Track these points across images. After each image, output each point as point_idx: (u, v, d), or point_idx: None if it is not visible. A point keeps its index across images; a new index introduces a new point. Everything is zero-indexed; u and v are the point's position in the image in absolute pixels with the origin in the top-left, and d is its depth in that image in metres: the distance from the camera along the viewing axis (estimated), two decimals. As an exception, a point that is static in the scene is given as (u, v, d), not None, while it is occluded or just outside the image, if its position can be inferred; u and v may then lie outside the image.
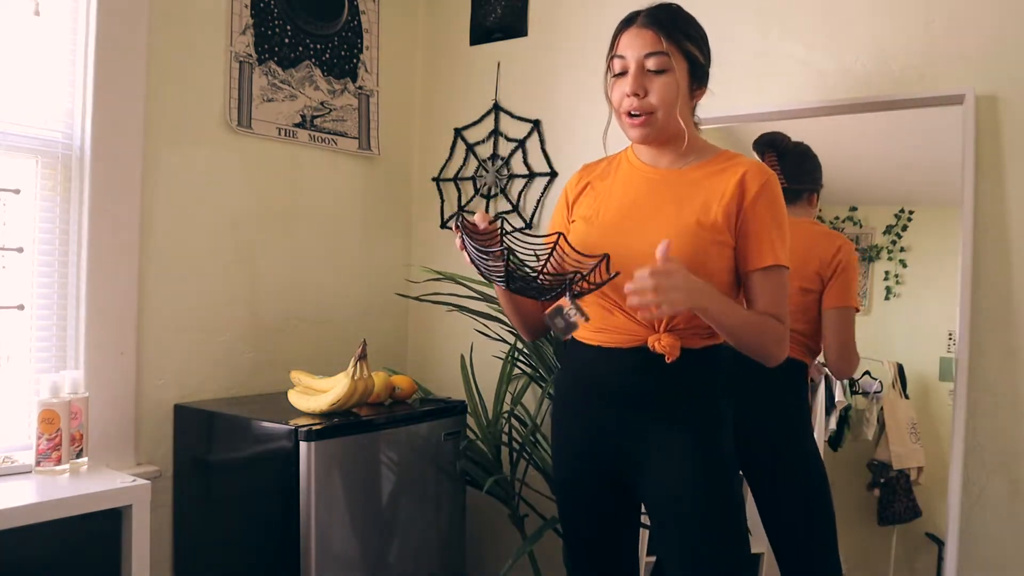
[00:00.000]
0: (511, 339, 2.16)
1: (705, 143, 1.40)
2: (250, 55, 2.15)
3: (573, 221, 1.44)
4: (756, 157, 1.87)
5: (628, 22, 1.33)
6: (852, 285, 1.72)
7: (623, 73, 1.32)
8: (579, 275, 1.21)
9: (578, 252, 1.26)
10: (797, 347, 1.72)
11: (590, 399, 1.37)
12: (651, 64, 1.29)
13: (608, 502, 1.41)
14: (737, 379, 1.37)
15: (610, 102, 1.37)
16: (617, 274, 1.21)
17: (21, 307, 1.74)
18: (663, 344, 1.27)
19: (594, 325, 1.34)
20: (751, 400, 1.42)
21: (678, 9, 1.34)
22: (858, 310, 1.72)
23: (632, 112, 1.31)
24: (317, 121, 2.32)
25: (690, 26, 1.33)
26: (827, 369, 1.76)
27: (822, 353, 1.76)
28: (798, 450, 1.73)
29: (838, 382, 1.90)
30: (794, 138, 1.87)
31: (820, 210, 1.91)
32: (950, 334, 1.74)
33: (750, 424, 1.45)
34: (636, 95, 1.30)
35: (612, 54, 1.34)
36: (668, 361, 1.27)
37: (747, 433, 1.43)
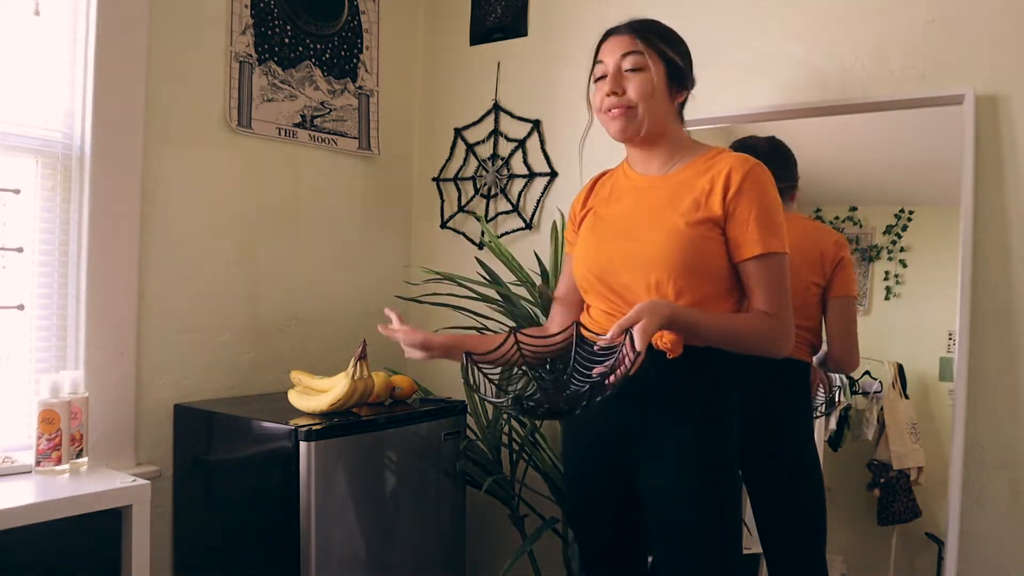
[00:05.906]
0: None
1: (694, 143, 1.43)
2: (250, 55, 2.15)
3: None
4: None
5: (609, 33, 1.41)
6: (853, 276, 1.75)
7: (603, 77, 1.39)
8: (609, 370, 1.20)
9: (597, 335, 1.29)
10: (801, 345, 1.72)
11: None
12: (627, 64, 1.36)
13: (616, 497, 1.43)
14: (744, 375, 1.38)
15: (590, 107, 1.44)
16: (640, 354, 1.19)
17: (21, 307, 1.74)
18: (664, 341, 1.29)
19: (603, 328, 1.38)
20: (752, 396, 1.43)
21: (656, 21, 1.41)
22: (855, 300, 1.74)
23: (611, 108, 1.37)
24: (317, 121, 2.32)
25: (667, 32, 1.40)
26: (830, 362, 1.76)
27: (824, 346, 1.76)
28: (794, 451, 1.73)
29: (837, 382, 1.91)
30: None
31: (820, 209, 1.91)
32: (950, 334, 1.74)
33: (749, 421, 1.45)
34: (615, 93, 1.36)
35: (594, 61, 1.42)
36: (669, 357, 1.29)
37: (744, 430, 1.44)
